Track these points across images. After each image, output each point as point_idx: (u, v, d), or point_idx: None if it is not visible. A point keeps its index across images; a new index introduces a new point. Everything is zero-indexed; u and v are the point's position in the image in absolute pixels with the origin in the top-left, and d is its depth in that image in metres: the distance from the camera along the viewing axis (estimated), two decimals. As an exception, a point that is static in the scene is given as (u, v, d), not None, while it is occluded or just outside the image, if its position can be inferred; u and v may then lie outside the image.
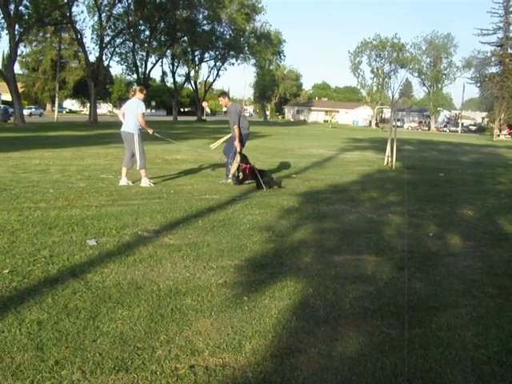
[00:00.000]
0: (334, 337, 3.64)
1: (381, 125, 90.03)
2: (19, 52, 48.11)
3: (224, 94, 11.85)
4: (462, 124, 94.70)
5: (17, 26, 36.84)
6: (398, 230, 7.05)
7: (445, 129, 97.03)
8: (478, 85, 74.34)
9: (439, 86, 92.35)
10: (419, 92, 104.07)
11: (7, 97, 55.15)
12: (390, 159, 15.97)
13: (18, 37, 36.98)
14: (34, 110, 70.73)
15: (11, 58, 37.04)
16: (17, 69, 60.93)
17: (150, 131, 10.38)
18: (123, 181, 9.97)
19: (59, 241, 5.71)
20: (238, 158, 10.65)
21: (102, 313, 3.85)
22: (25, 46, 65.14)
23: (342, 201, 9.21)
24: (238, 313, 3.98)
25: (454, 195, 10.56)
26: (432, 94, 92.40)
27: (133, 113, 9.92)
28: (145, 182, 9.93)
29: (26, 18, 38.77)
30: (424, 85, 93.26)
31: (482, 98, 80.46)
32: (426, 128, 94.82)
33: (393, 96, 22.91)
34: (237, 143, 10.78)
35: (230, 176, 10.88)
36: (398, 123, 69.45)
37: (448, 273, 5.25)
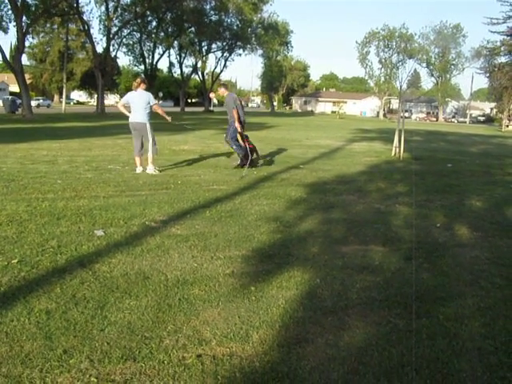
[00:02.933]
0: (341, 327, 3.65)
1: (388, 115, 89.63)
2: (27, 43, 48.19)
3: (223, 85, 12.56)
4: (471, 115, 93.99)
5: (24, 18, 36.88)
6: (406, 221, 7.04)
7: (453, 119, 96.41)
8: (487, 75, 73.63)
9: (447, 76, 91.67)
10: (427, 83, 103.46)
11: (15, 88, 55.40)
12: (397, 150, 15.92)
13: (25, 28, 37.04)
14: (41, 101, 70.90)
15: (19, 49, 37.07)
16: (24, 60, 61.13)
17: (169, 119, 11.24)
18: (139, 169, 10.40)
19: (67, 231, 5.74)
20: (239, 138, 11.61)
21: (109, 302, 3.87)
22: (33, 38, 65.38)
23: (350, 191, 9.20)
24: (246, 303, 3.99)
25: (462, 186, 10.52)
26: (440, 85, 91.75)
27: (143, 104, 10.26)
28: (150, 169, 10.32)
29: (33, 9, 38.79)
30: (432, 75, 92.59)
31: (490, 89, 79.51)
32: (434, 119, 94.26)
33: (401, 86, 22.85)
34: (237, 124, 11.48)
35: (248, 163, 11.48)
36: (406, 114, 68.90)
37: (455, 263, 5.24)
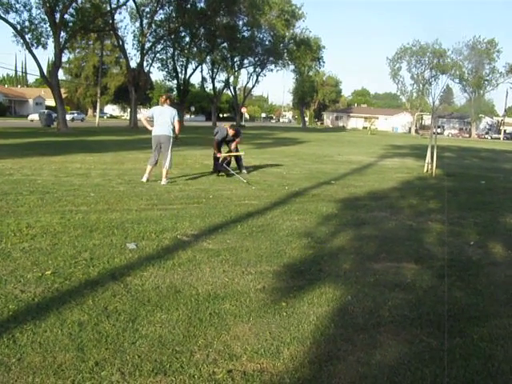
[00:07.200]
0: (372, 344, 3.60)
1: (420, 131, 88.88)
2: (63, 59, 49.05)
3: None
4: (505, 131, 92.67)
5: (62, 34, 37.64)
6: (438, 238, 6.95)
7: (486, 136, 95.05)
8: (522, 90, 72.54)
9: (481, 92, 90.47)
10: (460, 98, 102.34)
11: (51, 102, 56.48)
12: (430, 166, 15.76)
13: (62, 44, 37.78)
14: (76, 115, 72.05)
15: (56, 64, 37.79)
16: (60, 75, 62.24)
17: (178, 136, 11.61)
18: (145, 177, 10.95)
19: (99, 244, 5.81)
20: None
21: (141, 315, 3.89)
22: (70, 53, 66.76)
23: (382, 208, 9.12)
24: (277, 318, 3.97)
25: (495, 203, 10.35)
26: (473, 101, 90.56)
27: (170, 119, 10.78)
28: (164, 182, 10.76)
29: (71, 25, 39.57)
30: (465, 91, 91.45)
31: (526, 104, 78.50)
32: (467, 135, 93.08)
33: (433, 102, 22.63)
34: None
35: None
36: (439, 130, 68.24)
37: (490, 282, 5.14)
